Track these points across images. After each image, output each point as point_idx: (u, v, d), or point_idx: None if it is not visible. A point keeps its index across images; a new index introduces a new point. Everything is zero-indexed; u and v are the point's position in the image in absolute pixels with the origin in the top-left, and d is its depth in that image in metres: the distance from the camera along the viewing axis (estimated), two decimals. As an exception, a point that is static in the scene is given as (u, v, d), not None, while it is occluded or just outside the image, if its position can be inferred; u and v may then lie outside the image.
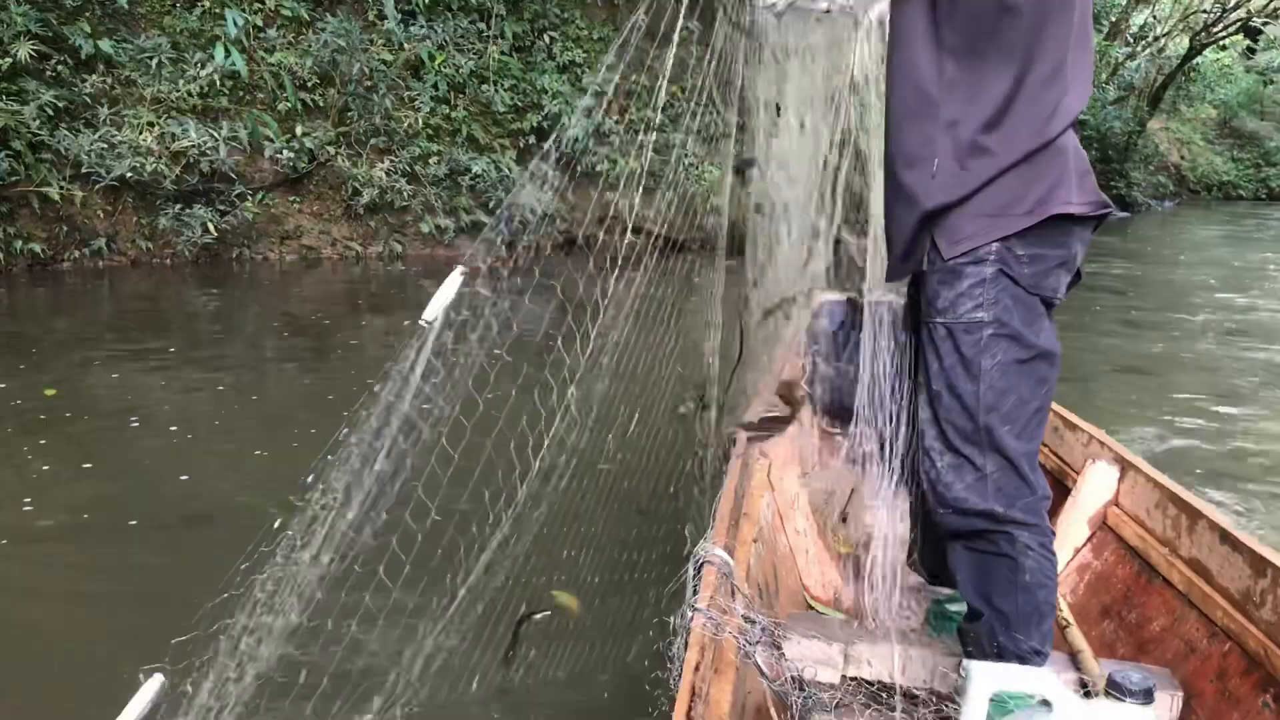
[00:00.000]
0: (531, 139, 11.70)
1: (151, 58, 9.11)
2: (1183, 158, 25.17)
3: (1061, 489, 2.76)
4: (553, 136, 2.34)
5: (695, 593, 1.71)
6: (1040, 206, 1.70)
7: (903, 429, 2.09)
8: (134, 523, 3.77)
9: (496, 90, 11.37)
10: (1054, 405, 2.92)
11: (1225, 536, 2.16)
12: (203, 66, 9.23)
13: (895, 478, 2.15)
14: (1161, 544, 2.39)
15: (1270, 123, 26.05)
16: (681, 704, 1.41)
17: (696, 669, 1.50)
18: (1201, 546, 2.24)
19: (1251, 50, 26.92)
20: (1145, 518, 2.51)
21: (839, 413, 3.31)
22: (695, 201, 11.10)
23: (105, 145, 8.53)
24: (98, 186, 8.59)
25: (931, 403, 1.85)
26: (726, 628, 1.63)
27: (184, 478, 4.23)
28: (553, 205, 11.29)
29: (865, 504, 2.97)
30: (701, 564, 1.80)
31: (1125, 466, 2.66)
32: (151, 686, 1.81)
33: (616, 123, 12.41)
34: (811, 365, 3.47)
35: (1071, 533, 2.67)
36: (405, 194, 10.40)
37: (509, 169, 11.21)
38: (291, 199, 10.18)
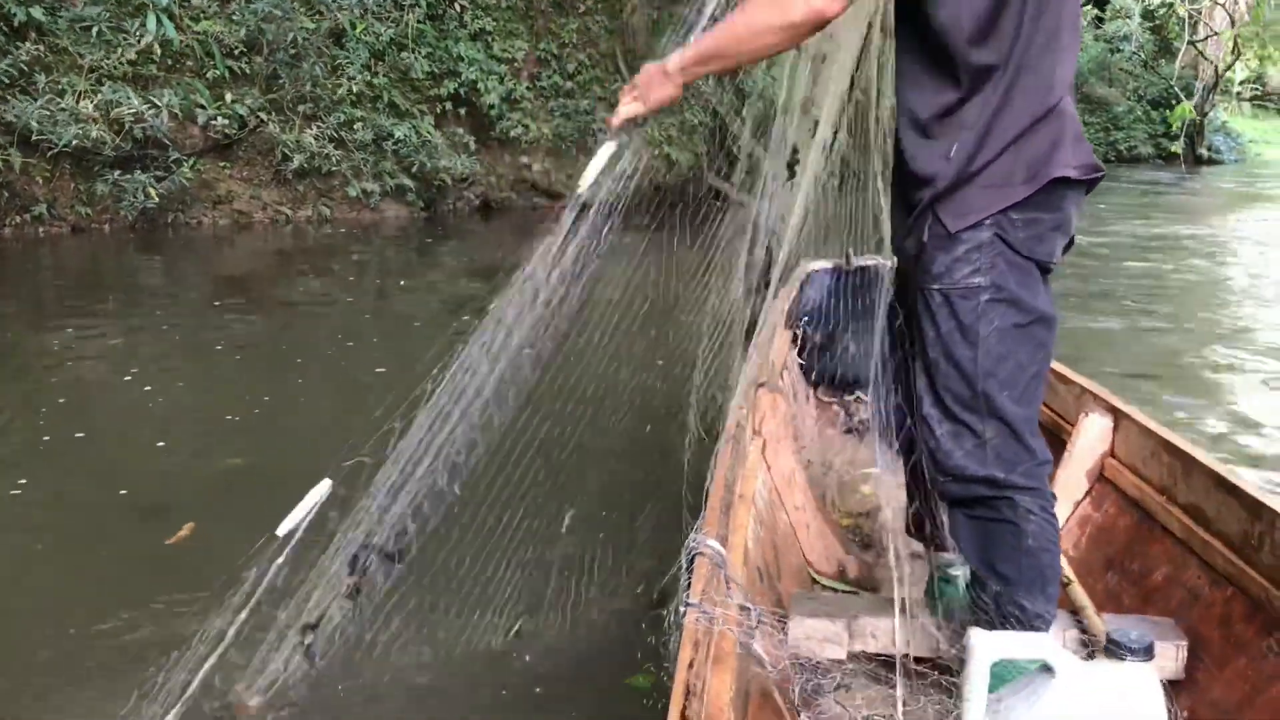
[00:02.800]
0: (449, 105, 12.14)
1: (90, 26, 9.28)
2: (1040, 121, 26.69)
3: (1058, 443, 2.71)
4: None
5: (688, 586, 1.67)
6: (1040, 173, 1.70)
7: (895, 396, 2.05)
8: (124, 492, 3.74)
9: (415, 57, 11.77)
10: None
11: (1220, 481, 2.13)
12: (141, 37, 9.42)
13: (892, 445, 2.14)
14: (1159, 492, 2.36)
15: (1117, 88, 27.84)
16: (676, 705, 1.37)
17: (690, 666, 1.46)
18: (1198, 492, 2.21)
19: (1100, 20, 28.64)
20: (1141, 467, 2.48)
21: (834, 382, 3.60)
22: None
23: (47, 113, 8.72)
24: (50, 154, 8.80)
25: (928, 370, 1.82)
26: (721, 620, 1.60)
27: (160, 444, 4.27)
28: (469, 168, 11.68)
29: (865, 473, 3.11)
30: (693, 556, 1.76)
31: (1119, 416, 2.63)
32: (321, 489, 1.96)
33: (528, 89, 12.94)
34: (802, 335, 3.64)
35: (1070, 486, 2.63)
36: (333, 159, 10.78)
37: (429, 134, 11.66)
38: (222, 165, 10.46)
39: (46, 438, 4.27)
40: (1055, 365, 2.85)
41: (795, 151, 2.83)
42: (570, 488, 3.25)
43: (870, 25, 2.56)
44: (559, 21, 13.38)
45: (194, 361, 5.70)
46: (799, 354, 3.67)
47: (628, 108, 1.95)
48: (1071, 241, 1.85)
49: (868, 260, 3.52)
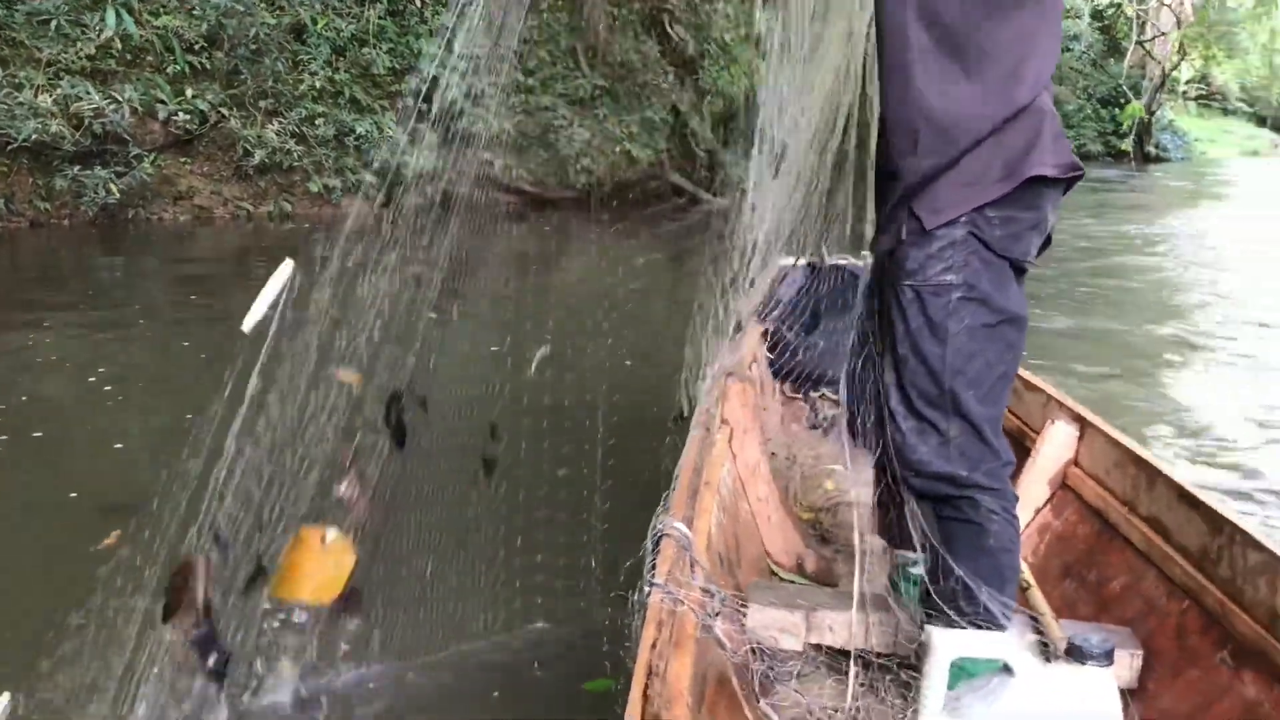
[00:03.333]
0: (410, 100, 12.15)
1: (48, 20, 9.24)
2: (994, 120, 27.03)
3: (1021, 449, 2.68)
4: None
5: (653, 567, 1.68)
6: (1016, 171, 1.70)
7: (864, 393, 2.04)
8: (74, 494, 3.66)
9: (376, 53, 11.81)
10: None
11: (1183, 495, 2.14)
12: (100, 31, 9.39)
13: (858, 442, 2.12)
14: (1121, 503, 2.37)
15: (1068, 87, 28.35)
16: (638, 684, 1.37)
17: (653, 646, 1.46)
18: (1160, 505, 2.22)
19: (1052, 19, 29.18)
20: (1105, 477, 2.48)
21: (801, 377, 3.61)
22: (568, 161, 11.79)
23: (5, 107, 8.68)
24: (9, 149, 8.77)
25: (896, 366, 1.82)
26: (684, 602, 1.60)
27: (118, 445, 4.20)
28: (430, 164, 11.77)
29: (827, 469, 3.11)
30: (659, 537, 1.76)
31: (1084, 426, 2.63)
32: (283, 272, 1.89)
33: (489, 85, 12.97)
34: (773, 330, 3.67)
35: (1032, 493, 2.62)
36: (295, 154, 10.80)
37: (390, 129, 11.69)
38: (183, 160, 10.44)
39: (5, 436, 4.22)
40: (1022, 372, 2.85)
41: (784, 148, 2.87)
42: (538, 481, 3.24)
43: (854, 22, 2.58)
44: (519, 18, 13.44)
45: (156, 359, 5.65)
46: (769, 349, 3.70)
47: None
48: (1048, 241, 1.85)
49: (841, 259, 3.58)
